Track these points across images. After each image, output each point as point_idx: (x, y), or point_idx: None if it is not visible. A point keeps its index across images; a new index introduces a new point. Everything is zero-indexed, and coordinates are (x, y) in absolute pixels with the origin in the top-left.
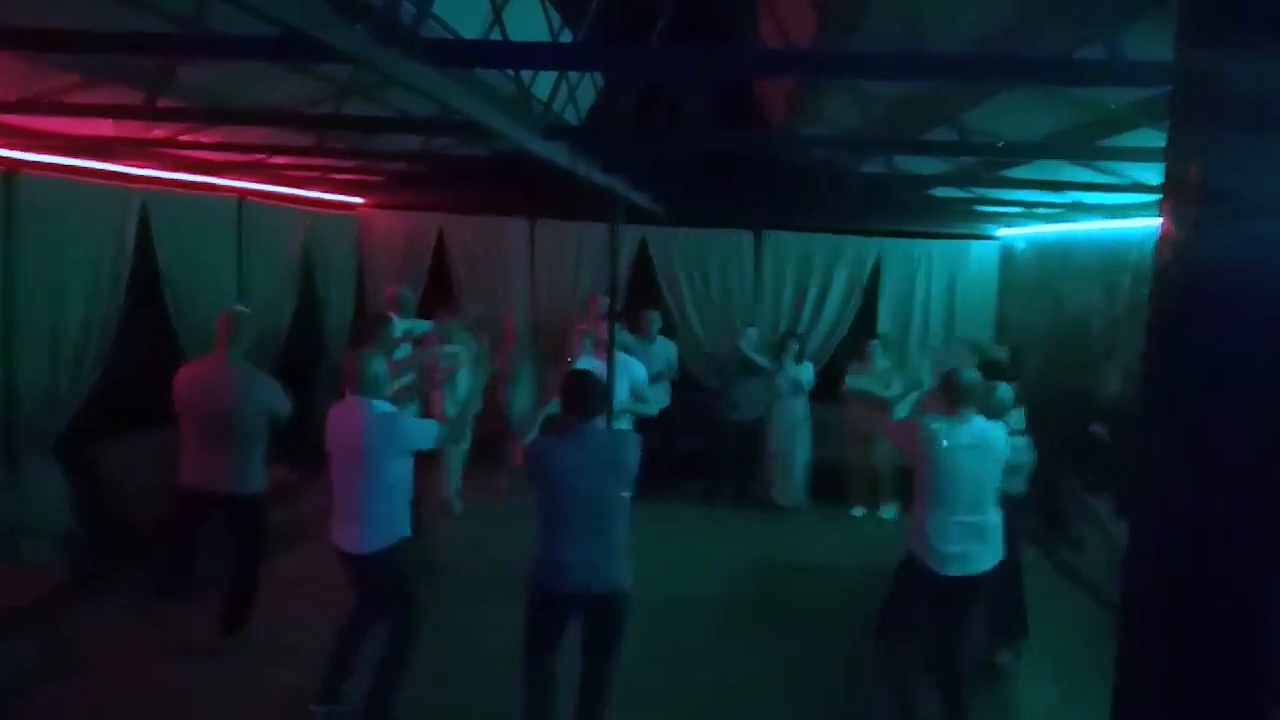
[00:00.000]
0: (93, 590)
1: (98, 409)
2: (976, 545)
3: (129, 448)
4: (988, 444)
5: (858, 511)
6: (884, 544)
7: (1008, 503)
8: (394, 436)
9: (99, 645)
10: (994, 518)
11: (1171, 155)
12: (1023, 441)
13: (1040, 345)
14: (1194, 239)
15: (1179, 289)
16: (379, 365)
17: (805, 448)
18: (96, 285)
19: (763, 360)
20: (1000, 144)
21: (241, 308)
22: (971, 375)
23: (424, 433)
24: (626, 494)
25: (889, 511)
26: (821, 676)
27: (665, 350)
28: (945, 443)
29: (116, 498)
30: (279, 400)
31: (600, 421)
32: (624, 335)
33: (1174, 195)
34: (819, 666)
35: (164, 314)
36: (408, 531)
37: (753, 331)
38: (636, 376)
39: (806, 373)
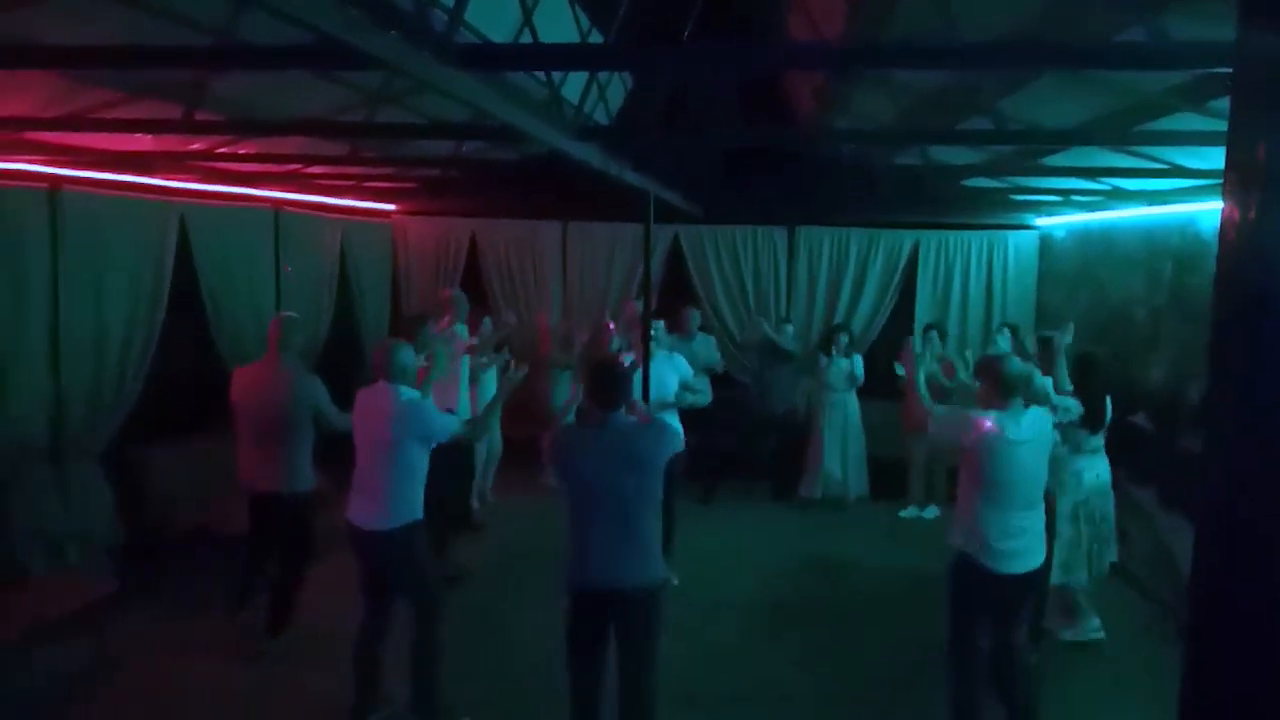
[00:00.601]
0: (139, 596)
1: (142, 417)
2: (1033, 540)
3: (173, 455)
4: (1043, 436)
5: (908, 513)
6: (931, 543)
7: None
8: (417, 422)
9: (144, 650)
10: (1042, 512)
11: (1234, 136)
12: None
13: (1081, 335)
14: (1258, 221)
15: (1243, 273)
16: (407, 354)
17: (860, 441)
18: (138, 297)
19: (788, 344)
20: (1038, 131)
21: (291, 313)
22: (1017, 365)
23: (445, 424)
24: (657, 486)
25: (931, 511)
26: (863, 679)
27: (705, 347)
28: (1008, 436)
29: (161, 504)
30: (325, 400)
31: (623, 412)
32: (663, 334)
33: (1237, 177)
34: (861, 668)
35: (204, 324)
36: (420, 515)
37: (789, 328)
38: (684, 371)
39: (859, 366)
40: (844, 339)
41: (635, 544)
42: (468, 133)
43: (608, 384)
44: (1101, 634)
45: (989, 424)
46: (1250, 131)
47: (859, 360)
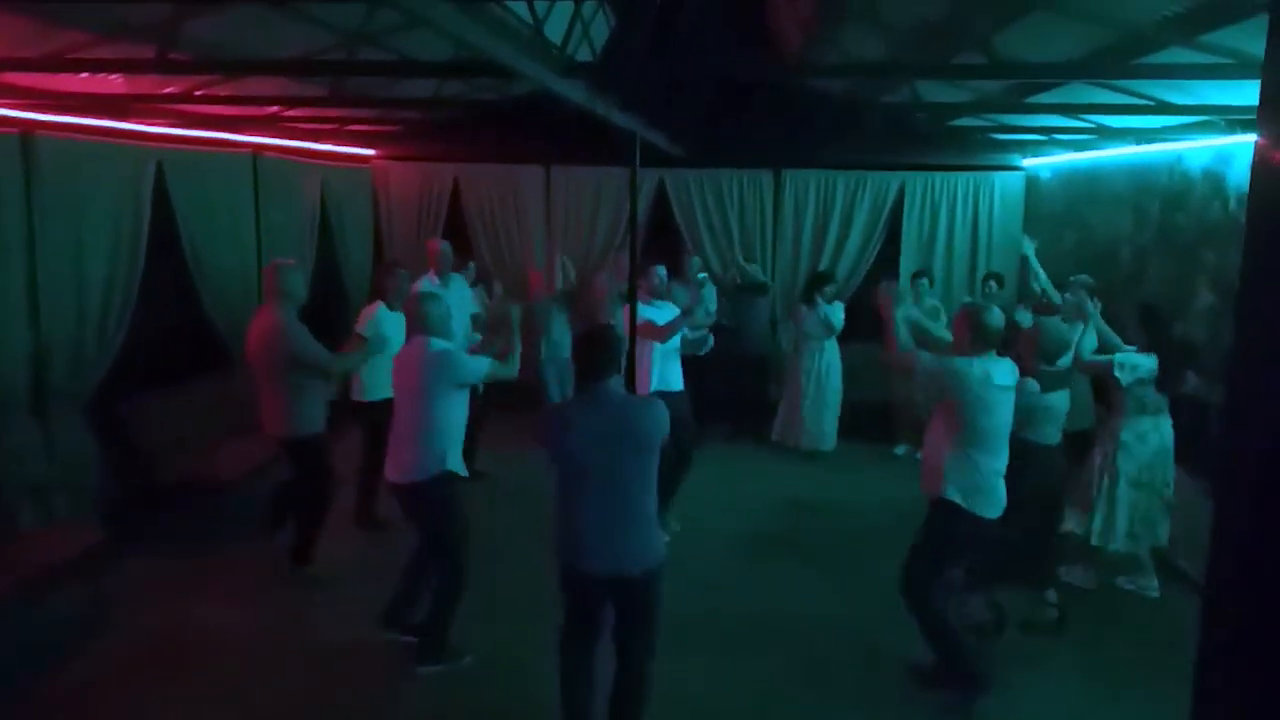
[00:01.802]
0: (130, 545)
1: (127, 367)
2: (1004, 485)
3: (159, 404)
4: (1013, 385)
5: (900, 450)
6: (902, 481)
7: (1042, 451)
8: (447, 370)
9: (140, 598)
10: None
11: (1270, 63)
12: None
13: (1067, 274)
14: None
15: (1276, 209)
16: (438, 305)
17: (838, 390)
18: (117, 244)
19: (756, 275)
20: (1030, 65)
21: (285, 260)
22: (998, 316)
23: (475, 368)
24: (654, 464)
25: (905, 450)
26: (846, 607)
27: (709, 295)
28: (996, 382)
29: (148, 454)
30: (303, 348)
31: (616, 383)
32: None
33: (1273, 107)
34: (844, 598)
35: (186, 272)
36: (449, 466)
37: (754, 267)
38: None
39: (837, 314)
40: (829, 289)
41: (635, 526)
42: (453, 70)
43: (591, 354)
44: (1155, 593)
45: (973, 370)
46: None
47: (838, 309)
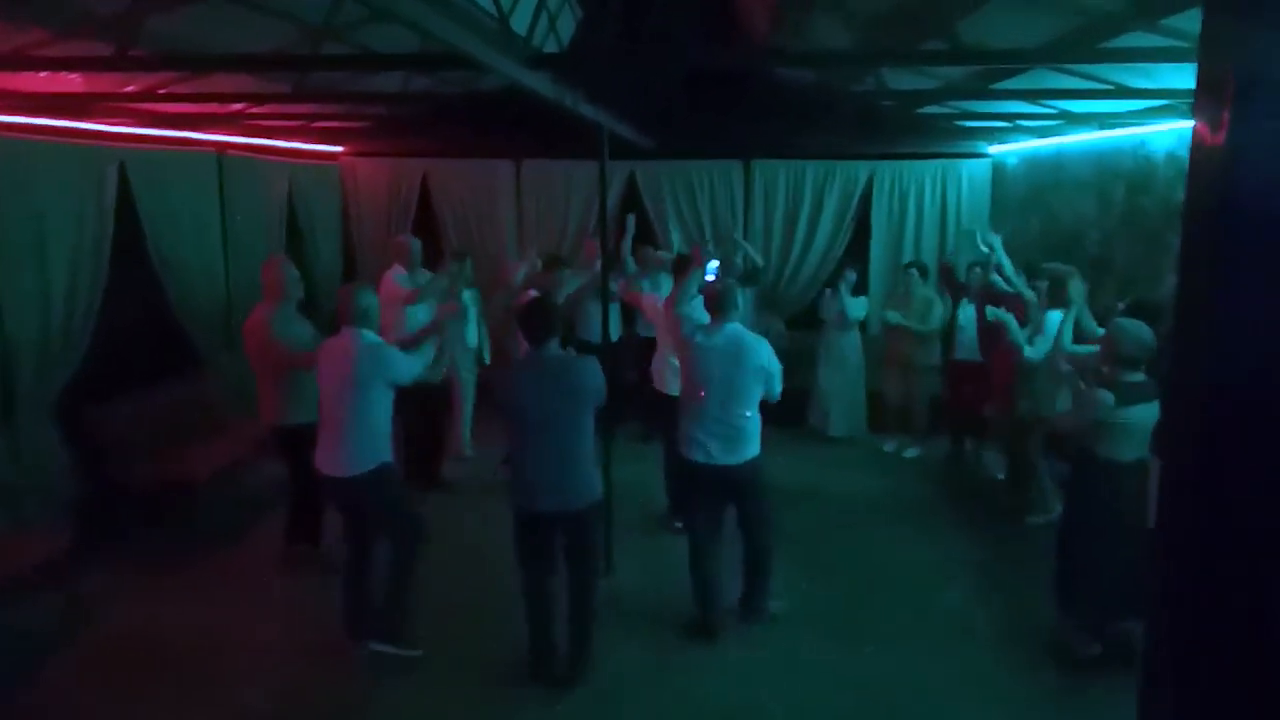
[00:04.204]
0: (101, 549)
1: (96, 370)
2: (720, 443)
3: (128, 407)
4: (741, 352)
5: (889, 446)
6: (906, 478)
7: (1113, 469)
8: (380, 365)
9: (112, 601)
10: (744, 423)
11: (1205, 51)
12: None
13: (1035, 261)
14: (1229, 139)
15: (1212, 191)
16: (368, 297)
17: (859, 381)
18: (80, 246)
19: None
20: (994, 51)
21: (280, 256)
22: (732, 285)
23: (408, 365)
24: (589, 416)
25: (911, 451)
26: (822, 595)
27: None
28: (699, 342)
29: (119, 457)
30: (288, 341)
31: (555, 346)
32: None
33: (1207, 94)
34: (819, 586)
35: (152, 272)
36: (388, 458)
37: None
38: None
39: (855, 307)
40: (851, 276)
41: (575, 467)
42: (417, 63)
43: (533, 320)
44: None
45: (687, 329)
46: (1220, 44)
47: (863, 301)
